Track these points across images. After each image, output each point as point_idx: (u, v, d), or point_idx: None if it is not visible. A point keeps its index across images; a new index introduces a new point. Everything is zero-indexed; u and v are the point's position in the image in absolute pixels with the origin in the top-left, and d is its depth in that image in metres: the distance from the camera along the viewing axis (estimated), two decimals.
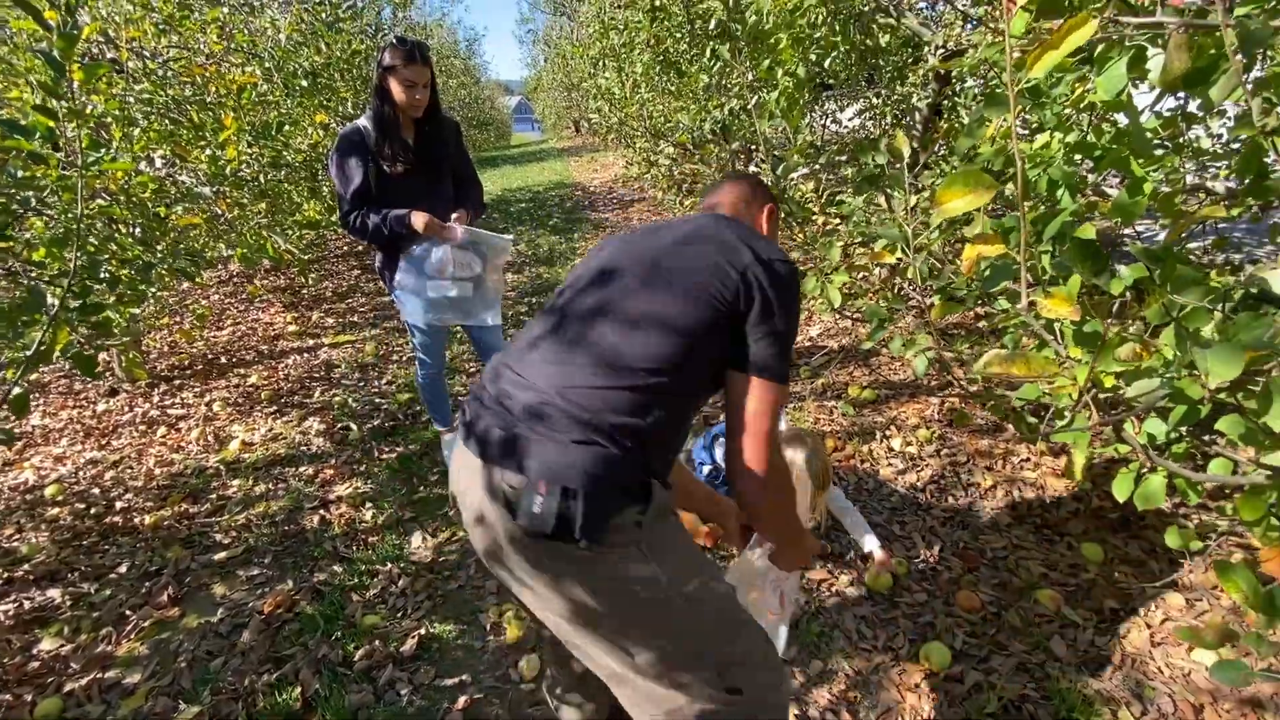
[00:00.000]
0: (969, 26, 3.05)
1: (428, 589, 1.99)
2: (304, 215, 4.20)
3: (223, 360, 3.97)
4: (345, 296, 5.23)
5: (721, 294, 0.94)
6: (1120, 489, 1.32)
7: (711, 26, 2.67)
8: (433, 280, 2.21)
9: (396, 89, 2.05)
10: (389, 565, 2.09)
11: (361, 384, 3.56)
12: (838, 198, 2.57)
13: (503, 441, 0.89)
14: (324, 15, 3.79)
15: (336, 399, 3.34)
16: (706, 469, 2.12)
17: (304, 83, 3.60)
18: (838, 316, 3.89)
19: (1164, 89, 0.90)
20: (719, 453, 2.10)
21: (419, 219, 2.11)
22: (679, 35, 3.05)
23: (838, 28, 2.28)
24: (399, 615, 1.89)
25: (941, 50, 2.99)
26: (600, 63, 4.98)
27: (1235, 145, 1.94)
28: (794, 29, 2.04)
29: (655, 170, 4.80)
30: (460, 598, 1.96)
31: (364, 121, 2.16)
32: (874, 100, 3.60)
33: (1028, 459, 2.38)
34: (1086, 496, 2.09)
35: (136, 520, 2.40)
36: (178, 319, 4.59)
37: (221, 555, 2.20)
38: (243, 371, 3.78)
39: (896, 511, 2.16)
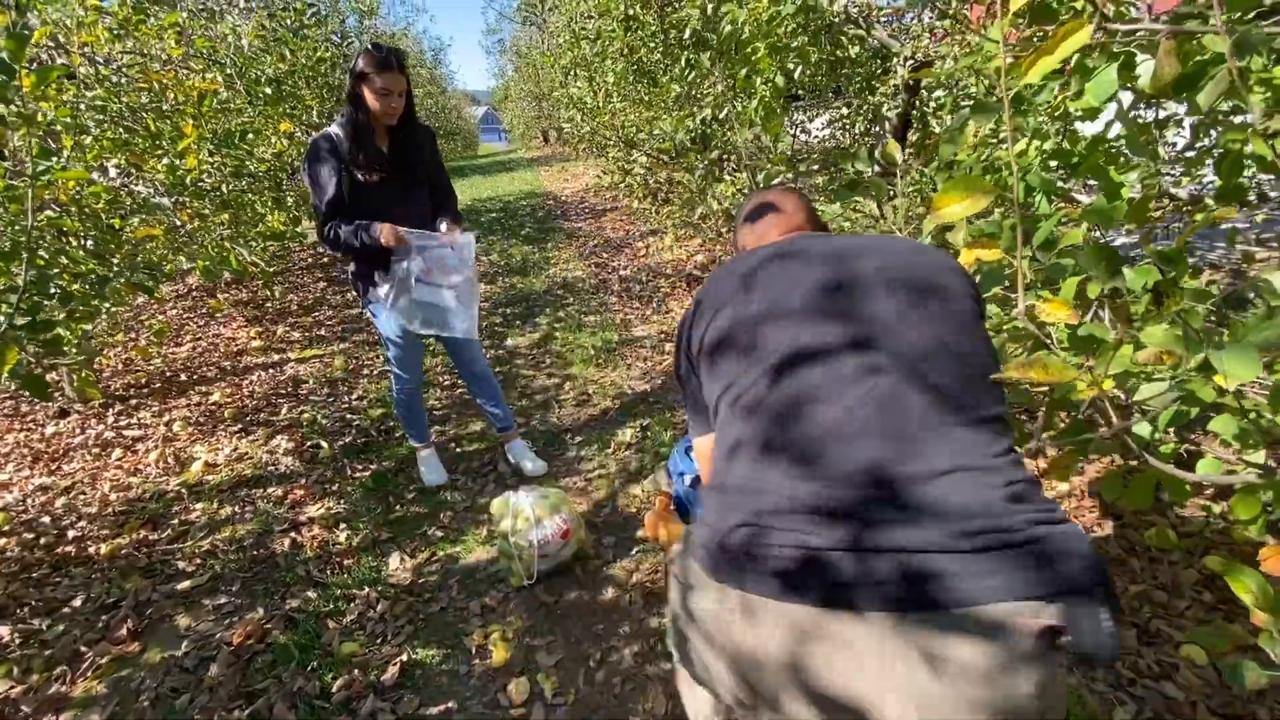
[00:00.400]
0: (935, 39, 3.12)
1: (408, 612, 1.92)
2: (267, 226, 4.06)
3: (182, 378, 3.80)
4: (311, 310, 5.08)
5: (976, 307, 0.93)
6: (1109, 490, 1.33)
7: (686, 35, 2.67)
8: (419, 283, 2.12)
9: (371, 97, 1.99)
10: (366, 589, 2.00)
11: (331, 400, 3.44)
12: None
13: (970, 570, 0.65)
14: (289, 21, 3.68)
15: (305, 416, 3.22)
16: (689, 478, 2.08)
17: (268, 90, 3.48)
18: None
19: (1154, 94, 0.91)
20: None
21: (386, 233, 2.05)
22: (652, 45, 3.05)
23: (808, 39, 2.31)
24: (378, 641, 1.81)
25: (911, 61, 3.05)
26: (571, 72, 4.97)
27: (1190, 154, 2.00)
28: (771, 38, 2.05)
29: (630, 179, 4.79)
30: (442, 621, 1.89)
31: (335, 129, 2.10)
32: (844, 110, 3.65)
33: None
34: (1067, 495, 2.13)
35: (91, 549, 2.26)
36: (133, 335, 4.39)
37: (185, 584, 2.08)
38: (204, 389, 3.63)
39: None
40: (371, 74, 1.96)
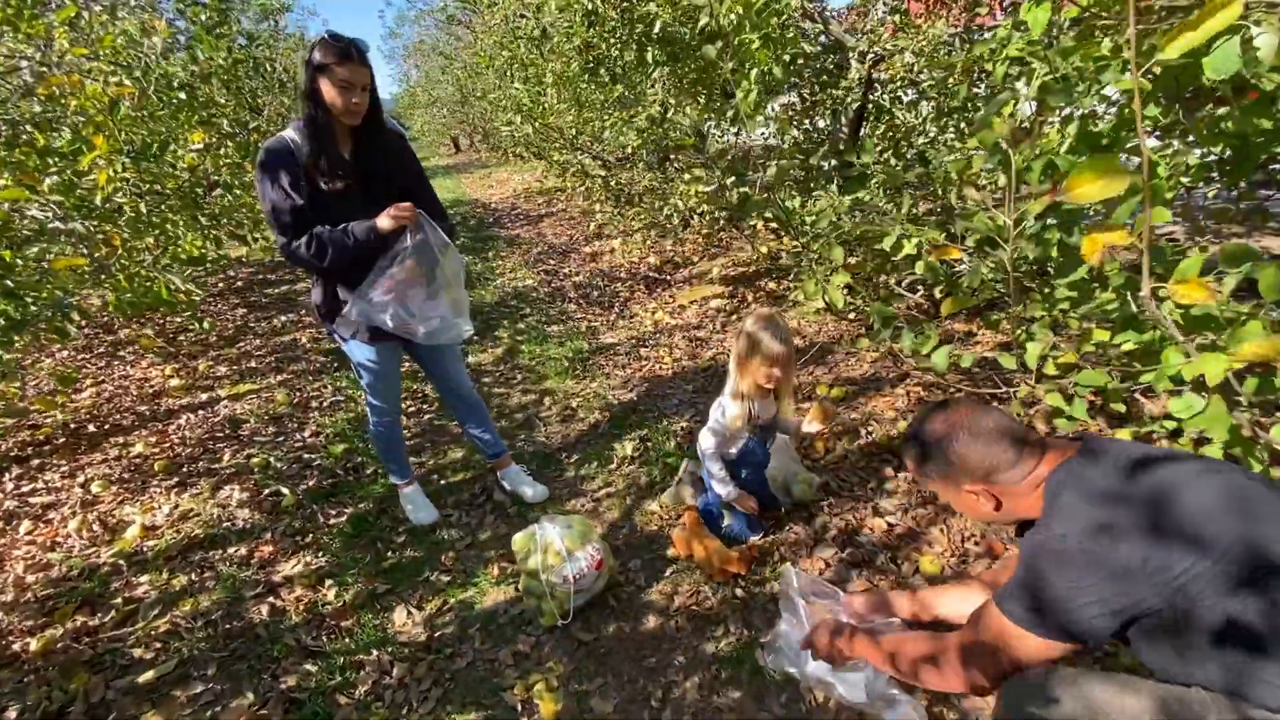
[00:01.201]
0: (889, 32, 3.18)
1: (431, 673, 1.70)
2: (184, 249, 3.60)
3: (91, 429, 3.30)
4: (234, 340, 4.58)
5: None
6: None
7: (656, 31, 2.57)
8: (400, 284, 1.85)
9: (330, 92, 1.72)
10: (375, 652, 1.77)
11: (280, 439, 3.09)
12: (809, 201, 2.56)
13: None
14: (203, 18, 3.23)
15: (255, 460, 2.86)
16: (724, 493, 1.97)
17: (181, 95, 3.04)
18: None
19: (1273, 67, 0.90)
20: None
21: (384, 219, 1.80)
22: (613, 40, 2.93)
23: (791, 32, 2.27)
24: (405, 712, 1.60)
25: (872, 54, 3.09)
26: (507, 72, 4.75)
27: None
28: (766, 28, 2.00)
29: (590, 181, 4.63)
30: (473, 677, 1.69)
31: (290, 133, 1.83)
32: (800, 102, 3.67)
33: None
34: None
35: (17, 646, 1.88)
36: (19, 385, 3.78)
37: (148, 675, 1.76)
38: (121, 440, 3.16)
39: (908, 510, 2.15)
40: (331, 65, 1.70)
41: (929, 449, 1.04)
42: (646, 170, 4.20)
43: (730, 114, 2.60)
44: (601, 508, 2.33)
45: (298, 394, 3.57)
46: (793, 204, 3.30)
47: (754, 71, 1.97)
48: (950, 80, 2.48)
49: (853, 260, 1.93)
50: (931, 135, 2.78)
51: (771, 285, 4.37)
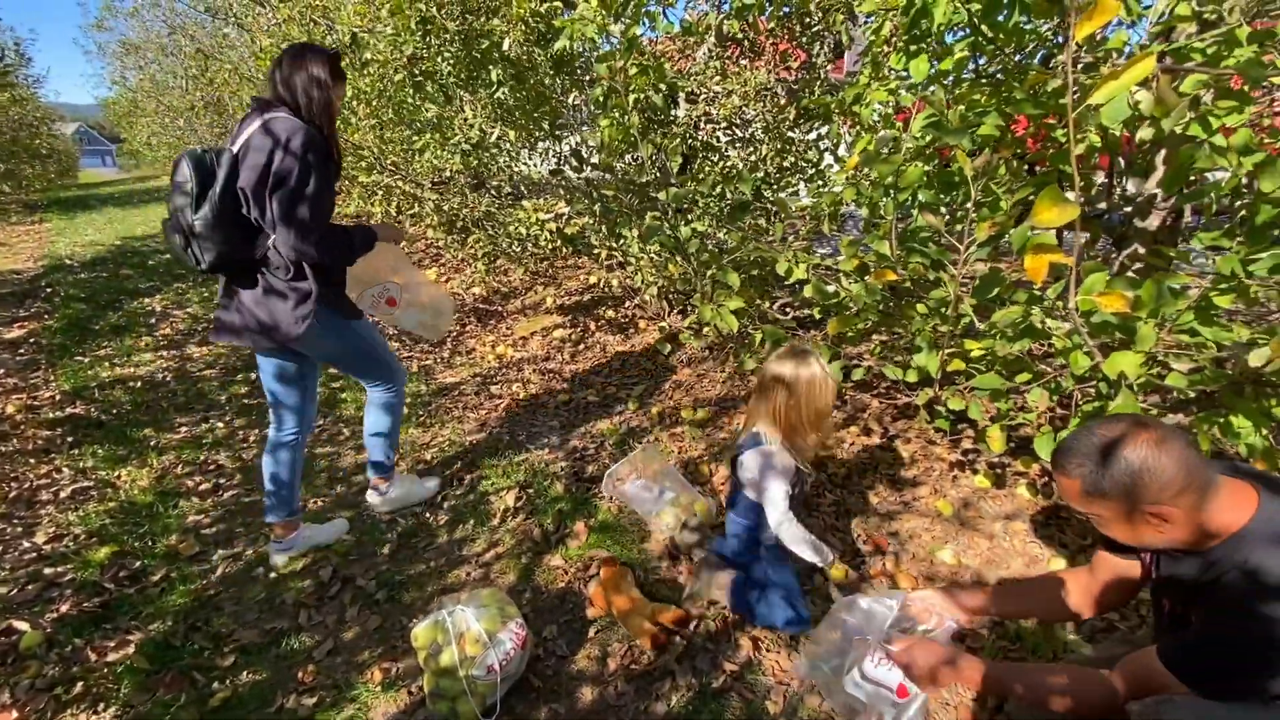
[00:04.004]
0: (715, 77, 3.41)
1: None
2: None
3: None
4: None
5: None
6: (1043, 449, 1.58)
7: (505, 47, 2.39)
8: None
9: (335, 106, 1.81)
10: None
11: None
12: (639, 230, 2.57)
13: None
14: None
15: None
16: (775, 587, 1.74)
17: None
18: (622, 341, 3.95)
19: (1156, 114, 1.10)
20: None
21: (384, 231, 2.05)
22: (447, 54, 2.66)
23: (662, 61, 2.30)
24: None
25: (702, 95, 3.28)
26: None
27: None
28: (643, 57, 1.96)
29: (420, 207, 4.15)
30: None
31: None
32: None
33: (850, 443, 2.73)
34: (908, 460, 2.50)
35: None
36: None
37: None
38: None
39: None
40: (336, 84, 1.79)
41: (1117, 471, 0.98)
42: (461, 194, 3.91)
43: (570, 141, 2.54)
44: (493, 573, 2.04)
45: (14, 486, 2.61)
46: (630, 233, 3.36)
47: (632, 98, 1.93)
48: (784, 123, 2.73)
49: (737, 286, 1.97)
50: (767, 171, 3.03)
51: (610, 313, 4.37)
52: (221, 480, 2.65)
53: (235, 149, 1.70)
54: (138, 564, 2.12)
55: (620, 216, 3.10)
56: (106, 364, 3.85)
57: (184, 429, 3.07)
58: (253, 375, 3.69)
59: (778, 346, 1.99)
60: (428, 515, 2.34)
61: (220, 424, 3.13)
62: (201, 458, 2.81)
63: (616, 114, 2.12)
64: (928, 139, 1.54)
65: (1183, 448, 0.97)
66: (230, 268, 1.76)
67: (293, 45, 1.78)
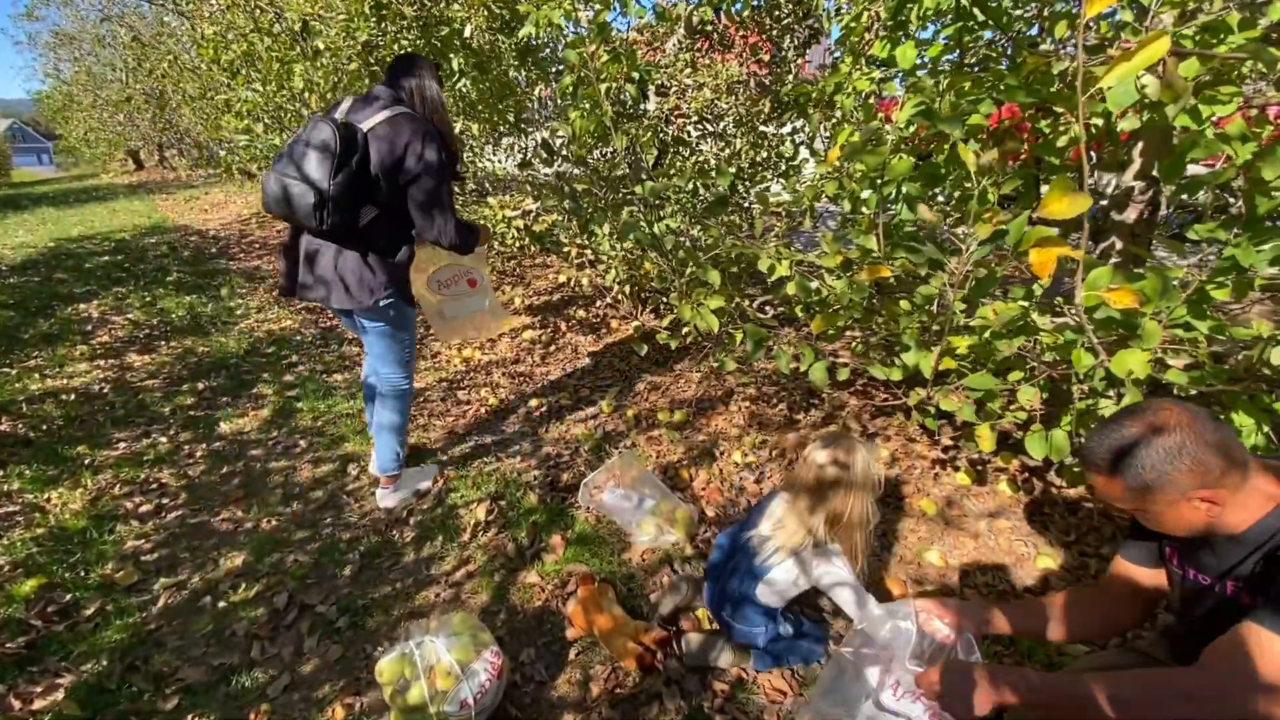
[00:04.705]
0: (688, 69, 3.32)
1: None
2: None
3: None
4: None
5: None
6: (1035, 448, 1.53)
7: (467, 34, 2.25)
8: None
9: None
10: None
11: None
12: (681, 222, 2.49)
13: None
14: None
15: None
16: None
17: None
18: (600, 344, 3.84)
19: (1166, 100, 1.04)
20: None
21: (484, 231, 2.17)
22: (405, 41, 2.51)
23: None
24: None
25: (674, 88, 3.19)
26: (242, 71, 3.83)
27: None
28: (612, 44, 1.86)
29: None
30: None
31: None
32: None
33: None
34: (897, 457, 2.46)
35: None
36: None
37: None
38: None
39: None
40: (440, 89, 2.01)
41: (1161, 462, 0.94)
42: None
43: (543, 135, 2.44)
44: (464, 593, 1.92)
45: None
46: (601, 230, 3.25)
47: (604, 86, 1.82)
48: (757, 117, 2.66)
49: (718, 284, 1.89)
50: (740, 166, 2.95)
51: (582, 313, 4.25)
52: (165, 500, 2.45)
53: (365, 129, 1.81)
54: (69, 597, 1.93)
55: (593, 213, 2.99)
56: (36, 375, 3.57)
57: (122, 445, 2.85)
58: (199, 385, 3.46)
59: (759, 346, 1.91)
60: (393, 532, 2.20)
61: (164, 438, 2.91)
62: (142, 476, 2.60)
63: (587, 104, 2.01)
64: (912, 129, 1.48)
65: (1215, 425, 0.94)
66: (341, 233, 1.86)
67: (402, 55, 1.97)
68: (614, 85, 1.90)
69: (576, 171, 3.60)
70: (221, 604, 1.91)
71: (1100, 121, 1.55)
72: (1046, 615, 1.26)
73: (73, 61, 15.76)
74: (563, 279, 4.60)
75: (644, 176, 3.19)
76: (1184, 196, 1.74)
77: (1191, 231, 1.31)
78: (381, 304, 1.97)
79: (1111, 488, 0.99)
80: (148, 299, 5.02)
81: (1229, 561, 1.01)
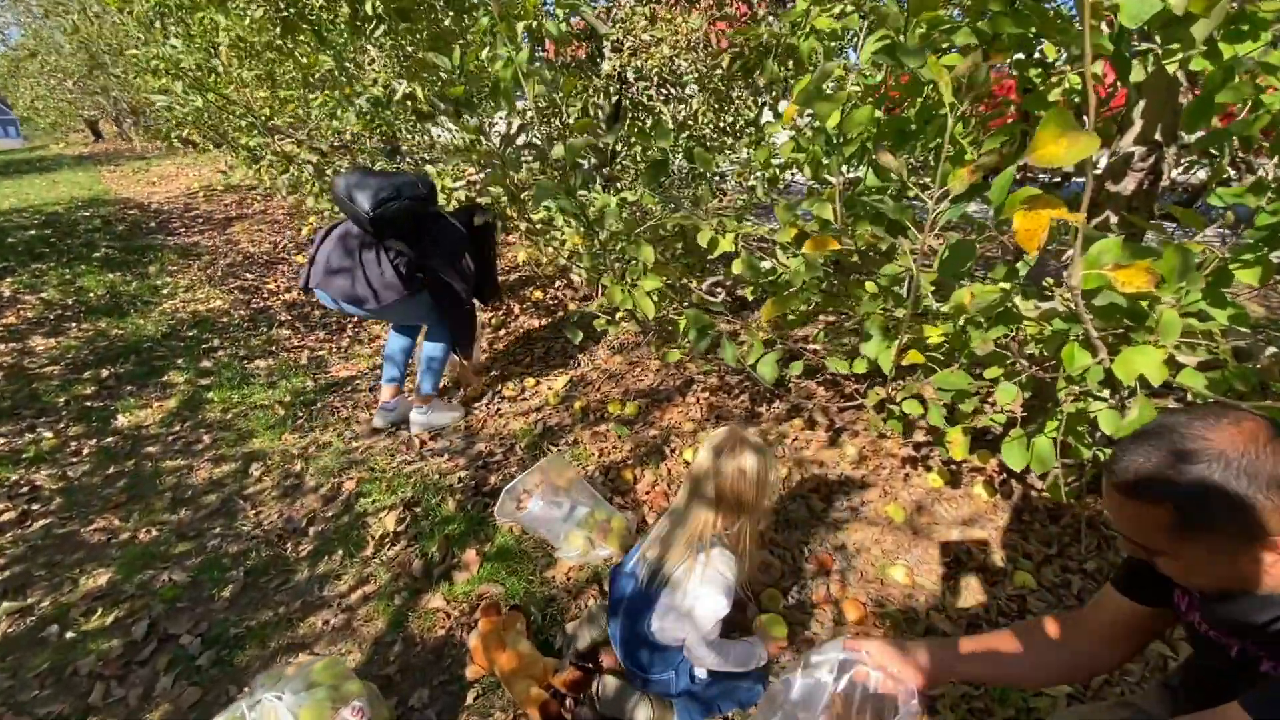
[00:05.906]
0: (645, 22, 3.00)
1: None
2: None
3: None
4: None
5: None
6: (1012, 457, 1.29)
7: None
8: None
9: None
10: None
11: None
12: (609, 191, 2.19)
13: None
14: None
15: None
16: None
17: None
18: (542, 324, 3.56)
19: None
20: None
21: None
22: None
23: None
24: None
25: (630, 44, 2.88)
26: (157, 23, 3.43)
27: None
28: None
29: (297, 172, 3.59)
30: None
31: None
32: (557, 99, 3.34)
33: (796, 439, 2.44)
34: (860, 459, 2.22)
35: None
36: None
37: None
38: None
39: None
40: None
41: (1237, 492, 0.67)
42: (375, 160, 3.44)
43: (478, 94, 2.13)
44: (357, 618, 1.65)
45: None
46: (554, 204, 2.95)
47: (520, 25, 1.53)
48: (718, 76, 2.36)
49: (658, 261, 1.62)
50: (697, 132, 2.66)
51: (538, 294, 3.95)
52: (34, 506, 2.15)
53: None
54: None
55: (537, 184, 2.68)
56: None
57: (0, 441, 2.52)
58: (103, 371, 3.12)
59: (703, 335, 1.65)
60: (286, 545, 1.92)
61: (49, 433, 2.58)
62: (13, 477, 2.28)
63: (504, 48, 1.71)
64: (881, 78, 1.21)
65: None
66: None
67: None
68: (533, 23, 1.61)
69: (536, 139, 3.28)
70: (69, 634, 1.62)
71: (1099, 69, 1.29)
72: (1019, 652, 1.01)
73: (21, 26, 14.84)
74: (522, 258, 4.29)
75: (597, 134, 2.89)
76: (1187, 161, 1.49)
77: (1214, 197, 1.06)
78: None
79: (1148, 519, 0.72)
80: (67, 276, 4.62)
81: (1259, 619, 0.77)
